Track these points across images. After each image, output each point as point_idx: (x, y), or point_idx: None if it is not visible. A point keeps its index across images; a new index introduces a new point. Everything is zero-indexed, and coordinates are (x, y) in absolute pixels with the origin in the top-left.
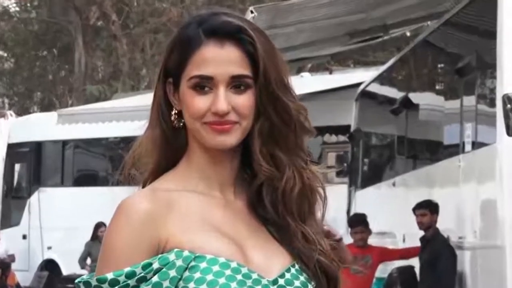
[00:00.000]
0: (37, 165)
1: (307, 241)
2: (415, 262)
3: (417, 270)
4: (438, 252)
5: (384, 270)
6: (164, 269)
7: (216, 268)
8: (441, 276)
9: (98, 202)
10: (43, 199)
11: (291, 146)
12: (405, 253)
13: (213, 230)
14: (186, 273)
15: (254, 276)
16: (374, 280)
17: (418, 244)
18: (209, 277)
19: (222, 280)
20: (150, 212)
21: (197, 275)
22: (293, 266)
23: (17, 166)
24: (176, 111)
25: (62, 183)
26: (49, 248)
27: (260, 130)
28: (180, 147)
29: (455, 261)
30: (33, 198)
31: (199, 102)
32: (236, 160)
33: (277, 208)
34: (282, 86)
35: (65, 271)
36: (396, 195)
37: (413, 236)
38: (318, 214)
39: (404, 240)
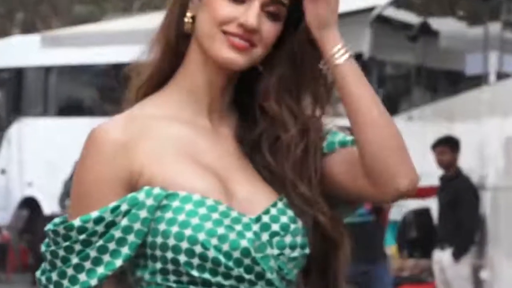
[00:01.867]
0: (18, 93)
1: (304, 198)
2: (432, 203)
3: (434, 212)
4: (459, 193)
5: (397, 212)
6: (133, 210)
7: (189, 206)
8: (462, 218)
9: (84, 135)
10: (24, 130)
11: (316, 88)
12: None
13: (192, 161)
14: (158, 213)
15: (234, 214)
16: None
17: (436, 184)
18: (181, 217)
19: (195, 220)
20: (121, 142)
21: (169, 215)
22: (281, 199)
23: None
24: (192, 15)
25: (44, 113)
26: (30, 184)
27: (281, 71)
28: (179, 60)
29: (478, 203)
30: (13, 129)
31: (229, 8)
32: (231, 86)
33: (276, 156)
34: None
35: (46, 210)
36: (414, 130)
37: (430, 175)
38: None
39: (420, 180)
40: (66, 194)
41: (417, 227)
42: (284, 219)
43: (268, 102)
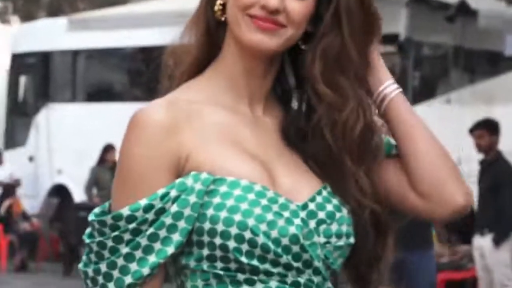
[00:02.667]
0: (45, 78)
1: (360, 190)
2: (472, 188)
3: (474, 197)
4: (500, 178)
5: None
6: (182, 196)
7: (237, 192)
8: (503, 203)
9: (114, 120)
10: (52, 116)
11: (360, 75)
12: None
13: (237, 148)
14: (205, 198)
15: (281, 200)
16: None
17: (476, 168)
18: (230, 202)
19: (244, 206)
20: (167, 124)
21: (216, 200)
22: (325, 188)
23: (22, 79)
24: (222, 2)
25: (73, 99)
26: (59, 171)
27: (326, 48)
28: (217, 51)
29: None
30: (41, 116)
31: None
32: (272, 73)
33: (330, 143)
34: None
35: (77, 198)
36: (451, 113)
37: (470, 160)
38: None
39: (459, 164)
40: (93, 181)
41: None
42: (329, 207)
43: (315, 85)
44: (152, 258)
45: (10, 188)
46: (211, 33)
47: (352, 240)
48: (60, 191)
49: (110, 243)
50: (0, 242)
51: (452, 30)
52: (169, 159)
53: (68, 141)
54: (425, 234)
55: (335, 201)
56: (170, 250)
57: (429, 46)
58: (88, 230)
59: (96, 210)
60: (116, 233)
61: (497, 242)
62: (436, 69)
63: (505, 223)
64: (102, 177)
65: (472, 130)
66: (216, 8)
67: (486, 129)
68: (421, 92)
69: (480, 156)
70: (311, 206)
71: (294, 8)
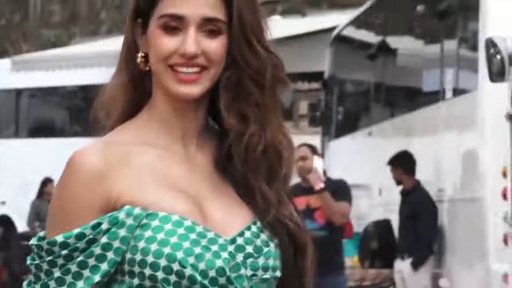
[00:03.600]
0: None
1: (265, 201)
2: (392, 216)
3: (394, 224)
4: (418, 206)
5: (359, 224)
6: (113, 229)
7: (168, 226)
8: (421, 230)
9: (55, 155)
10: None
11: (261, 100)
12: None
13: (169, 186)
14: (137, 231)
15: (210, 235)
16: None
17: (396, 197)
18: (160, 236)
19: (174, 239)
20: (100, 167)
21: (148, 233)
22: (255, 223)
23: None
24: (143, 54)
25: (16, 135)
26: (3, 203)
27: (228, 80)
28: (146, 93)
29: (436, 215)
30: None
31: (167, 42)
32: (202, 110)
33: (244, 165)
34: (259, 35)
35: (20, 228)
36: (373, 145)
37: (390, 189)
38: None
39: (380, 193)
40: (34, 214)
41: (378, 238)
42: (257, 241)
43: (221, 113)
44: (80, 284)
45: None
46: (136, 82)
47: (278, 273)
48: (3, 222)
49: (45, 266)
50: None
51: (373, 67)
52: (98, 200)
53: (11, 175)
54: (335, 261)
55: (263, 236)
56: (97, 278)
57: (352, 83)
58: (31, 254)
59: (41, 234)
60: (50, 257)
61: (416, 266)
62: (359, 104)
63: (423, 248)
64: (42, 209)
65: (390, 162)
66: (138, 60)
67: (401, 162)
68: (344, 126)
69: (400, 187)
70: (240, 240)
71: (210, 49)
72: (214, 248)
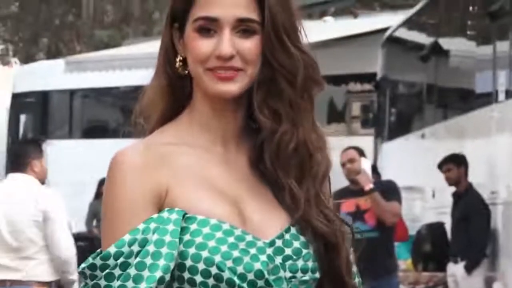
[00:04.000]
0: (44, 116)
1: (293, 199)
2: (446, 218)
3: (447, 226)
4: (470, 208)
5: (412, 227)
6: (161, 226)
7: (206, 230)
8: (474, 232)
9: (108, 156)
10: (50, 151)
11: (294, 99)
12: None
13: (209, 188)
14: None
15: (249, 238)
16: None
17: (450, 199)
18: (199, 239)
19: (212, 243)
20: (144, 166)
21: (187, 237)
22: (294, 225)
23: (22, 117)
24: (181, 58)
25: (70, 135)
26: None
27: (261, 80)
28: (185, 96)
29: (489, 218)
30: None
31: (203, 45)
32: (241, 110)
33: (274, 162)
34: (292, 35)
35: (74, 229)
36: (425, 147)
37: (443, 191)
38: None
39: (433, 196)
40: (91, 214)
41: (432, 241)
42: (296, 244)
43: (255, 112)
44: (143, 285)
45: None
46: (174, 85)
47: (317, 274)
48: None
49: (103, 282)
50: None
51: (425, 69)
52: (152, 194)
53: (65, 175)
54: (388, 263)
55: (302, 238)
56: (158, 274)
57: (404, 84)
58: (82, 283)
59: (89, 259)
60: (107, 271)
61: (469, 269)
62: (411, 105)
63: (476, 252)
64: (99, 210)
65: (440, 165)
66: (177, 65)
67: (453, 163)
68: (397, 128)
69: (452, 189)
70: (278, 243)
71: (245, 49)
72: (253, 251)
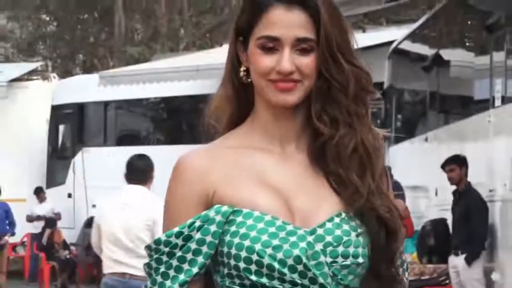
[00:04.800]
0: (80, 126)
1: (355, 191)
2: (448, 215)
3: (449, 222)
4: (470, 205)
5: (417, 223)
6: (205, 226)
7: (250, 221)
8: (473, 227)
9: None
10: (87, 158)
11: (348, 106)
12: None
13: (261, 184)
14: (225, 227)
15: (289, 227)
16: None
17: (451, 197)
18: (242, 230)
19: (253, 233)
20: (199, 169)
21: (233, 228)
22: (339, 215)
23: (61, 127)
24: (245, 68)
25: (104, 143)
26: (94, 206)
27: (318, 90)
28: (249, 102)
29: (487, 214)
30: (77, 158)
31: (265, 61)
32: (299, 117)
33: (336, 161)
34: (344, 50)
35: None
36: (429, 150)
37: (445, 190)
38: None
39: (436, 194)
40: None
41: (435, 236)
42: (338, 232)
43: (312, 120)
44: (182, 277)
45: (52, 221)
46: (239, 92)
47: (360, 260)
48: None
49: (154, 264)
50: (43, 268)
51: (428, 78)
52: (199, 195)
53: (101, 180)
54: None
55: (345, 227)
56: (195, 270)
57: (409, 92)
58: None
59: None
60: (157, 255)
61: (469, 261)
62: (415, 112)
63: (476, 245)
64: None
65: (443, 165)
66: (241, 74)
67: (455, 164)
68: (402, 132)
69: (453, 187)
70: (319, 231)
71: (303, 65)
72: (293, 239)
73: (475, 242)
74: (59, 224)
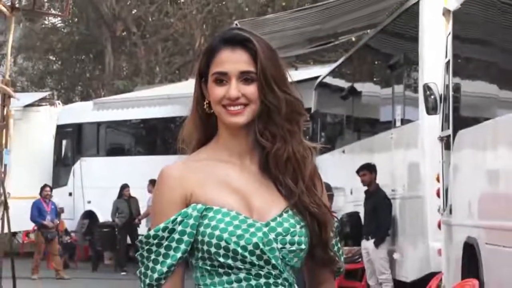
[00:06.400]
0: (79, 141)
1: (290, 191)
2: (360, 209)
3: (361, 215)
4: (378, 202)
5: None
6: (185, 220)
7: (219, 216)
8: (380, 219)
9: (124, 168)
10: (84, 166)
11: (283, 125)
12: None
13: (225, 186)
14: (200, 220)
15: (249, 221)
16: None
17: (363, 195)
18: (213, 223)
19: (222, 225)
20: (178, 177)
21: (206, 221)
22: (286, 211)
23: (64, 142)
24: (207, 102)
25: (97, 154)
26: (89, 202)
27: (260, 113)
28: (214, 128)
29: (391, 208)
30: (76, 165)
31: (218, 91)
32: (251, 135)
33: (276, 168)
34: (278, 81)
35: (101, 219)
36: (346, 159)
37: (358, 190)
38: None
39: (351, 193)
40: (115, 209)
41: (350, 225)
42: (286, 224)
43: (256, 130)
44: (169, 261)
45: (57, 214)
46: (204, 121)
47: (303, 246)
48: (89, 215)
49: (145, 253)
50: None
51: (345, 105)
52: (179, 198)
53: (94, 182)
54: None
55: (292, 220)
56: (179, 255)
57: (330, 116)
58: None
59: (140, 238)
60: (147, 246)
61: (377, 244)
62: (336, 130)
63: (382, 232)
64: (120, 206)
65: (357, 171)
66: (205, 106)
67: (366, 170)
68: (325, 146)
69: (365, 188)
70: (272, 224)
71: (247, 92)
72: (252, 230)
73: (381, 230)
74: (62, 216)
